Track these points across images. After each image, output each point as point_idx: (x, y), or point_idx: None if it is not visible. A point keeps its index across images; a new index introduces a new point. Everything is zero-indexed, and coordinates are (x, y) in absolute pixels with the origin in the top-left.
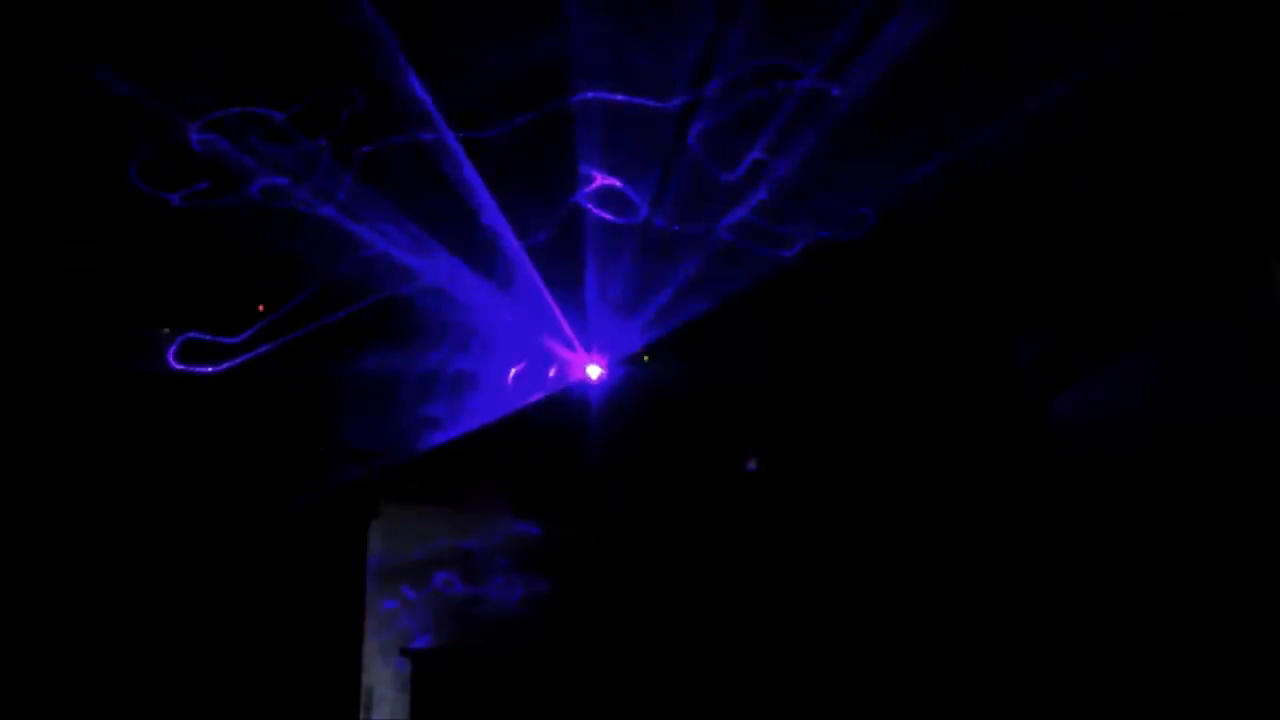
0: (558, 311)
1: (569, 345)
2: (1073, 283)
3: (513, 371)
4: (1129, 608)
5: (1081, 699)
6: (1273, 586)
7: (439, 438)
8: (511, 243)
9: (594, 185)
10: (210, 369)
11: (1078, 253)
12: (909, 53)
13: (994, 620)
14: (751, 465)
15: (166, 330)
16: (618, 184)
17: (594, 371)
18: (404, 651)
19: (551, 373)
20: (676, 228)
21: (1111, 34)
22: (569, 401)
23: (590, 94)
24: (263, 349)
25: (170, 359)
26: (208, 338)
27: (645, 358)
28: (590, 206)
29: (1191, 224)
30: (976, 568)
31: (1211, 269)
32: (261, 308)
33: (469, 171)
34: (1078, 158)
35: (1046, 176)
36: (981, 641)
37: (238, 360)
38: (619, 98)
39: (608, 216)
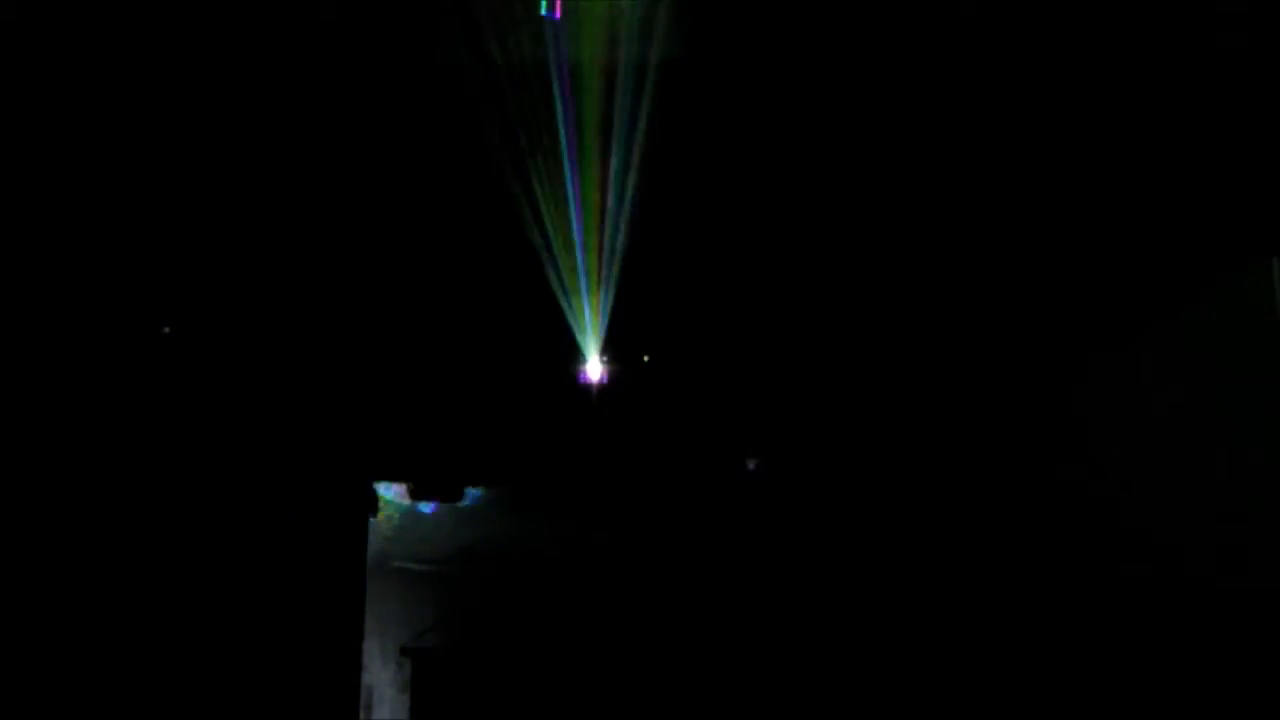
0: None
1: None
2: (1074, 282)
3: (515, 373)
4: (1128, 607)
5: (1082, 699)
6: (1271, 585)
7: (438, 437)
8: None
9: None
10: (207, 366)
11: (1078, 252)
12: (909, 52)
13: (994, 620)
14: (752, 465)
15: (167, 330)
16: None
17: (594, 372)
18: (404, 651)
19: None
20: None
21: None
22: (569, 401)
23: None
24: (263, 349)
25: (169, 358)
26: (205, 334)
27: (645, 357)
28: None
29: (1192, 224)
30: (976, 568)
31: (1212, 269)
32: (260, 308)
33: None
34: (1078, 157)
35: (1047, 175)
36: (981, 641)
37: (235, 358)
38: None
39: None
